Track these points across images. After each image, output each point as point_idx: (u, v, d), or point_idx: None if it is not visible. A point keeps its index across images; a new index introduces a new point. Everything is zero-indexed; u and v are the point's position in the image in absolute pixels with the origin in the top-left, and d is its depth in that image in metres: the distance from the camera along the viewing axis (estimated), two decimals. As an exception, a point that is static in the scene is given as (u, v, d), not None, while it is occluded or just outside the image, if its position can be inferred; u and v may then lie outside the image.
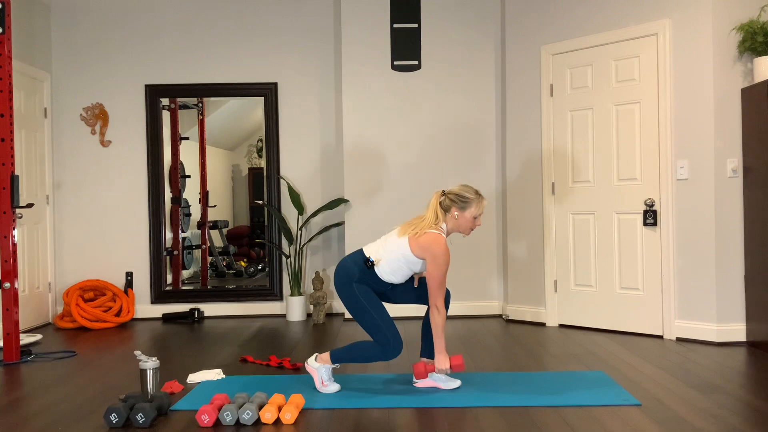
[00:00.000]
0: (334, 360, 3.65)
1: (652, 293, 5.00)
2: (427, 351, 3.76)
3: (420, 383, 3.73)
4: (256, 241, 7.65)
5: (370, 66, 6.04)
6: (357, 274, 3.60)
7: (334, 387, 3.65)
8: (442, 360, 3.56)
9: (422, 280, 3.74)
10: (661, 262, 4.93)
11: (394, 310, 5.77)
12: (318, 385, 3.65)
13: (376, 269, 3.59)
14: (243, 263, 7.75)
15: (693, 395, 3.47)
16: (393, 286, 3.72)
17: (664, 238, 4.91)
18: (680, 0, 4.83)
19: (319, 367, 3.66)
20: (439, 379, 3.69)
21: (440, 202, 3.61)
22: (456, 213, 3.58)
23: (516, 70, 5.78)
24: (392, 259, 3.57)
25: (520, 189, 5.75)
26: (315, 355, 3.73)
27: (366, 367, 4.17)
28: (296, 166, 6.38)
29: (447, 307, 3.68)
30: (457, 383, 3.67)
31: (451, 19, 6.09)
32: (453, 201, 3.59)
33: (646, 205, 4.99)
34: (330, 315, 6.26)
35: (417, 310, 5.50)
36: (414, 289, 3.75)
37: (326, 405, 3.39)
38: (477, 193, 3.60)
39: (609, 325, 5.22)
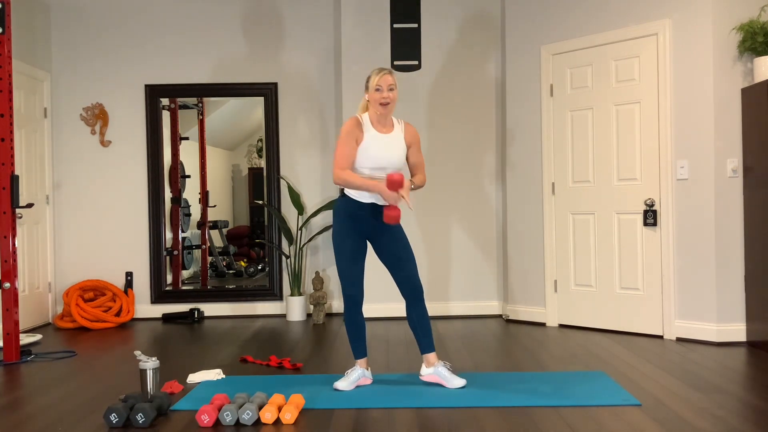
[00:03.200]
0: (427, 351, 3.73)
1: (652, 293, 5.00)
2: (426, 347, 3.75)
3: (425, 376, 3.74)
4: (256, 241, 7.65)
5: (370, 66, 6.01)
6: (337, 207, 3.72)
7: (460, 381, 3.68)
8: (381, 187, 3.53)
9: (398, 275, 3.74)
10: (661, 262, 4.93)
11: (387, 310, 5.78)
12: (449, 385, 3.68)
13: (346, 191, 3.70)
14: (243, 263, 7.75)
15: (693, 395, 3.47)
16: (380, 229, 3.68)
17: (664, 238, 4.91)
18: (680, 0, 4.82)
19: (438, 365, 3.71)
20: (445, 376, 3.69)
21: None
22: (366, 96, 3.71)
23: (516, 70, 5.78)
24: None
25: (520, 189, 5.75)
26: (425, 358, 3.76)
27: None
28: (296, 166, 6.38)
29: (420, 300, 3.74)
30: (462, 382, 3.67)
31: (451, 19, 6.09)
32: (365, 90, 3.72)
33: (646, 205, 4.99)
34: (330, 315, 6.26)
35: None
36: (395, 248, 3.71)
37: (326, 405, 3.39)
38: (379, 68, 3.69)
39: (609, 325, 5.22)
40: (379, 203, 3.65)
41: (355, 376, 3.71)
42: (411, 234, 6.02)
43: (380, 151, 3.64)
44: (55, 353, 4.81)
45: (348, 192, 3.69)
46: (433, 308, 5.85)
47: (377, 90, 3.63)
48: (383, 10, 5.86)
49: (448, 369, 3.74)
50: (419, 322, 3.76)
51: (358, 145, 3.64)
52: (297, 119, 6.38)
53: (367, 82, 3.68)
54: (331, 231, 6.25)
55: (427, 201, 6.04)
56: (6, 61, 4.53)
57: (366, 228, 3.70)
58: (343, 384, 3.67)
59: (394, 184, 3.51)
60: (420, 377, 3.78)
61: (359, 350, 3.76)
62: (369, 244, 3.77)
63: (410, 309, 3.78)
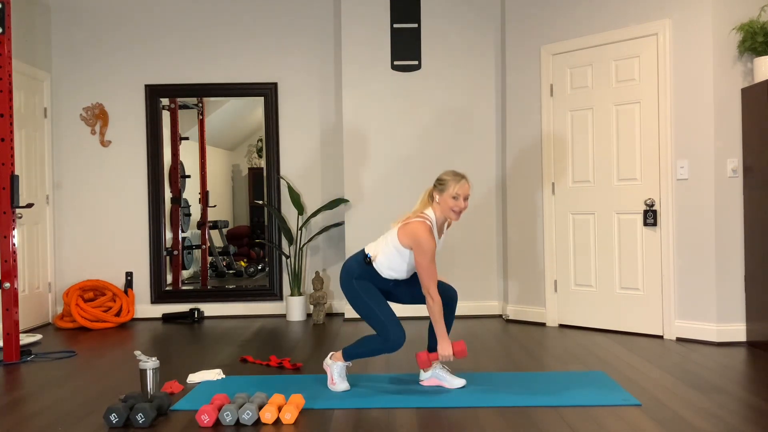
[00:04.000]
0: (345, 357, 3.68)
1: (652, 293, 5.00)
2: (434, 348, 3.75)
3: (425, 381, 3.74)
4: (256, 241, 7.65)
5: (370, 66, 6.04)
6: (357, 271, 3.64)
7: (343, 386, 3.66)
8: (444, 346, 3.55)
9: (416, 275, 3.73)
10: (661, 262, 4.93)
11: (398, 310, 5.77)
12: (328, 382, 3.68)
13: (375, 265, 3.62)
14: (243, 263, 7.75)
15: (693, 395, 3.47)
16: (396, 283, 3.72)
17: (664, 238, 4.91)
18: (680, 0, 4.82)
19: (332, 365, 3.70)
20: (444, 378, 3.69)
21: (428, 192, 3.67)
22: (437, 197, 3.61)
23: (516, 70, 5.78)
24: (387, 252, 3.60)
25: (520, 189, 5.75)
26: (331, 353, 3.77)
27: (366, 367, 4.17)
28: (296, 166, 6.38)
29: (454, 305, 3.72)
30: (462, 382, 3.67)
31: (451, 19, 6.09)
32: (434, 186, 3.64)
33: (646, 205, 4.99)
34: (330, 315, 6.26)
35: (419, 309, 5.49)
36: (419, 288, 3.74)
37: (326, 405, 3.39)
38: (456, 173, 3.61)
39: (609, 325, 5.22)
40: (400, 278, 3.68)
41: (342, 371, 3.69)
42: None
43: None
44: (55, 353, 4.81)
45: (377, 267, 3.62)
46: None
47: (454, 198, 3.56)
48: (383, 10, 5.86)
49: (446, 370, 3.74)
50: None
51: None
52: (297, 119, 6.38)
53: (442, 184, 3.58)
54: (331, 231, 6.28)
55: (427, 201, 6.03)
56: (6, 61, 4.53)
57: (383, 287, 3.72)
58: (342, 386, 3.67)
59: (460, 354, 3.56)
60: (420, 383, 3.77)
61: (356, 358, 3.74)
62: None
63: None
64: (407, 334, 5.18)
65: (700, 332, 4.76)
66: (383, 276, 3.64)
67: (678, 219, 4.86)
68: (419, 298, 3.72)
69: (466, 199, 3.59)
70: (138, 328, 5.89)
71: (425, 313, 3.81)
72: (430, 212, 3.61)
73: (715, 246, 4.71)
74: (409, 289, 3.76)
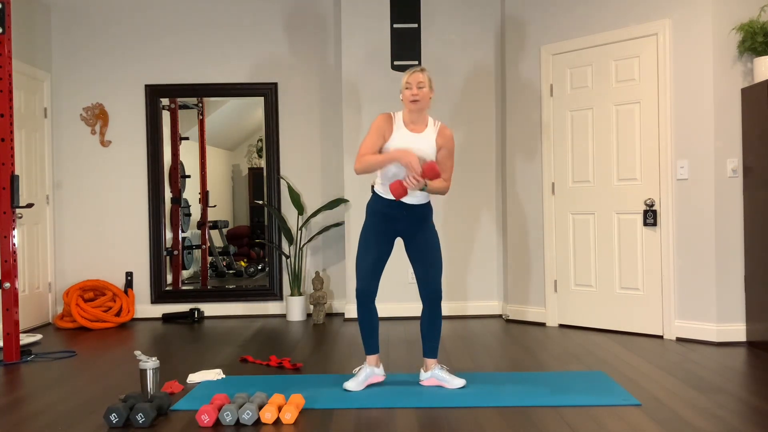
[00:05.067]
0: (430, 354, 3.74)
1: (652, 293, 5.00)
2: (430, 351, 3.75)
3: (425, 381, 3.74)
4: (256, 241, 7.65)
5: (370, 66, 6.04)
6: (368, 203, 3.76)
7: (458, 382, 3.68)
8: (404, 155, 3.48)
9: (421, 277, 3.73)
10: (661, 262, 4.93)
11: (387, 310, 5.79)
12: (448, 386, 3.68)
13: (375, 188, 3.71)
14: (243, 263, 7.75)
15: (693, 395, 3.47)
16: (406, 226, 3.69)
17: (664, 238, 4.91)
18: (680, 0, 4.83)
19: (437, 373, 3.71)
20: (444, 378, 3.69)
21: None
22: (401, 96, 3.67)
23: (516, 70, 5.78)
24: None
25: (520, 189, 5.75)
26: (424, 369, 3.76)
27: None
28: (296, 166, 6.38)
29: (436, 305, 3.74)
30: (462, 382, 3.67)
31: (451, 19, 6.09)
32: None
33: (646, 205, 4.99)
34: (330, 315, 6.26)
35: (416, 310, 5.49)
36: (424, 252, 3.70)
37: (326, 405, 3.39)
38: (411, 68, 3.67)
39: (609, 325, 5.22)
40: (407, 201, 3.63)
41: (364, 376, 3.69)
42: (411, 234, 6.03)
43: (406, 147, 3.57)
44: (55, 353, 4.81)
45: (377, 189, 3.70)
46: (433, 308, 5.85)
47: (407, 88, 3.60)
48: (383, 10, 5.86)
49: (446, 370, 3.74)
50: (429, 326, 3.75)
51: (386, 142, 3.61)
52: (297, 119, 6.38)
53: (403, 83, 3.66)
54: (331, 231, 6.29)
55: (427, 201, 6.03)
56: (6, 61, 4.53)
57: (396, 225, 3.68)
58: (353, 384, 3.66)
59: (431, 171, 3.47)
60: (420, 383, 3.77)
61: (369, 346, 3.72)
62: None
63: (426, 313, 3.77)
64: (404, 334, 5.20)
65: (700, 332, 4.76)
66: (382, 196, 3.67)
67: (678, 219, 4.86)
68: (422, 263, 3.71)
69: (420, 87, 3.58)
70: (138, 328, 5.89)
71: (421, 314, 3.82)
72: (399, 112, 3.71)
73: (715, 246, 4.71)
74: (422, 248, 3.70)
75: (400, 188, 3.48)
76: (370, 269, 3.65)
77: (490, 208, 6.09)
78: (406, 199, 3.60)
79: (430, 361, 3.74)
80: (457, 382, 3.67)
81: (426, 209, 3.73)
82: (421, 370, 3.79)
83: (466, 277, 6.07)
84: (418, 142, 3.61)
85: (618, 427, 3.01)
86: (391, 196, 3.61)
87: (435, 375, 3.71)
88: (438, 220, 6.09)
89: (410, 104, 3.60)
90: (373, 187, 3.75)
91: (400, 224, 3.68)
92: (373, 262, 3.65)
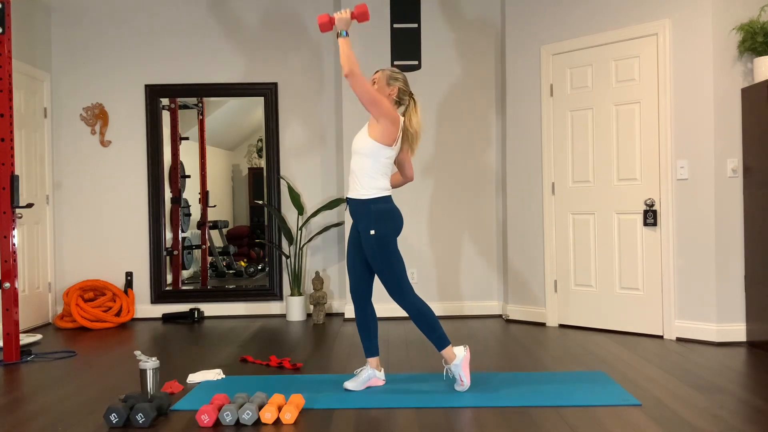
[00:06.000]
0: (440, 346, 3.60)
1: (652, 293, 5.00)
2: (370, 351, 3.72)
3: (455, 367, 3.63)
4: (256, 241, 7.65)
5: (370, 66, 6.03)
6: (380, 208, 3.68)
7: (468, 382, 3.63)
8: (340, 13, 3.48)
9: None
10: (661, 262, 4.93)
11: (387, 310, 5.79)
12: (457, 386, 3.63)
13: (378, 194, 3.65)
14: (243, 263, 7.74)
15: (693, 395, 3.47)
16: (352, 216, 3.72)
17: (664, 238, 4.91)
18: (680, 0, 4.83)
19: (453, 367, 3.61)
20: (456, 379, 3.64)
21: None
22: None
23: (516, 70, 5.78)
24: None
25: (520, 189, 5.75)
26: (445, 362, 3.64)
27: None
28: (296, 166, 6.38)
29: (366, 303, 3.70)
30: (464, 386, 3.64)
31: (451, 19, 6.09)
32: None
33: (646, 205, 4.99)
34: (330, 315, 6.26)
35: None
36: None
37: (326, 405, 3.39)
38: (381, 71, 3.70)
39: (609, 325, 5.22)
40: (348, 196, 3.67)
41: (366, 376, 3.68)
42: (411, 234, 6.03)
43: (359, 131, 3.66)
44: (55, 353, 4.81)
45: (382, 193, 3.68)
46: (433, 308, 5.85)
47: (373, 83, 3.69)
48: (383, 10, 5.86)
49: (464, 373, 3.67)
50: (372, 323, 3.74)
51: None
52: (297, 119, 6.38)
53: None
54: (331, 231, 6.29)
55: (426, 201, 6.04)
56: (6, 61, 4.54)
57: (357, 227, 3.67)
58: (353, 384, 3.66)
59: (361, 15, 3.48)
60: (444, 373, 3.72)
61: (367, 348, 3.72)
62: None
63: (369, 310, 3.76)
64: (405, 334, 5.20)
65: (700, 332, 4.76)
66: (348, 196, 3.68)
67: (678, 219, 4.86)
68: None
69: (373, 82, 3.64)
70: (138, 328, 5.89)
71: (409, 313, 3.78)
72: None
73: (715, 246, 4.71)
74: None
75: (325, 18, 3.51)
76: (351, 269, 3.70)
77: (490, 208, 6.09)
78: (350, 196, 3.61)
79: (374, 361, 3.72)
80: (459, 386, 3.63)
81: (359, 206, 3.58)
82: (443, 363, 3.69)
83: (466, 277, 6.07)
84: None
85: (618, 427, 3.01)
86: (349, 195, 3.63)
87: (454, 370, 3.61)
88: (438, 219, 6.10)
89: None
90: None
91: (359, 224, 3.63)
92: (352, 264, 3.69)
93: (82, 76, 6.36)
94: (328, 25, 3.54)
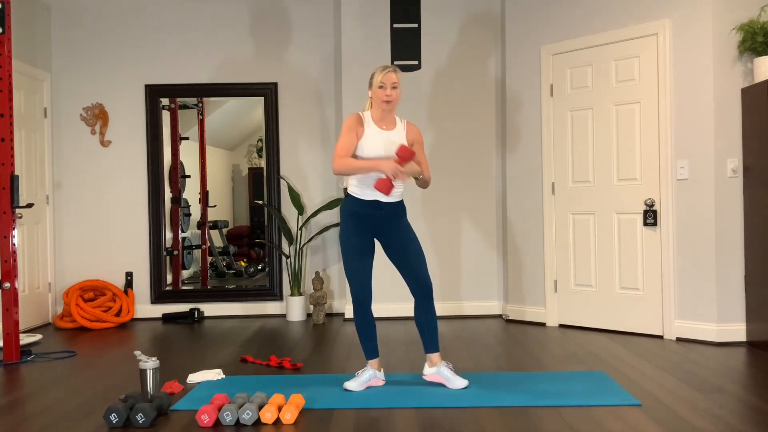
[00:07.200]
0: (431, 350, 3.71)
1: (652, 293, 5.00)
2: (430, 346, 3.74)
3: (428, 376, 3.73)
4: (256, 241, 7.65)
5: (370, 66, 6.02)
6: (342, 205, 3.75)
7: (461, 382, 3.66)
8: (386, 165, 3.50)
9: (408, 272, 3.72)
10: (661, 262, 4.93)
11: (387, 310, 5.79)
12: (451, 386, 3.66)
13: (349, 190, 3.70)
14: (243, 263, 7.75)
15: (693, 395, 3.47)
16: (381, 223, 3.68)
17: (664, 238, 4.91)
18: (680, 0, 4.83)
19: (441, 370, 3.69)
20: (447, 378, 3.67)
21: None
22: (369, 93, 3.71)
23: (516, 70, 5.78)
24: None
25: (520, 189, 5.75)
26: (427, 365, 3.75)
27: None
28: (296, 166, 6.38)
29: (429, 297, 3.71)
30: (464, 383, 3.66)
31: (451, 19, 6.09)
32: (368, 86, 3.74)
33: (646, 205, 4.99)
34: (330, 315, 6.26)
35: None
36: (404, 245, 3.69)
37: (326, 405, 3.39)
38: (383, 66, 3.70)
39: (609, 325, 5.22)
40: (382, 200, 3.63)
41: (366, 377, 3.69)
42: (411, 234, 6.02)
43: (381, 145, 3.62)
44: (55, 353, 4.81)
45: (351, 191, 3.69)
46: (433, 308, 5.85)
47: (381, 87, 3.63)
48: (383, 10, 5.86)
49: (451, 369, 3.73)
50: (427, 322, 3.72)
51: (359, 140, 3.63)
52: (297, 119, 6.38)
53: (371, 79, 3.67)
54: (331, 231, 6.29)
55: (426, 201, 6.04)
56: (6, 61, 4.53)
57: (372, 226, 3.68)
58: (353, 384, 3.65)
59: (405, 152, 3.49)
60: (423, 377, 3.77)
61: (370, 350, 3.72)
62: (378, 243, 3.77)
63: (418, 307, 3.74)
64: (405, 334, 5.20)
65: (700, 332, 4.76)
66: (355, 196, 3.66)
67: (678, 219, 4.86)
68: (405, 258, 3.69)
69: (393, 87, 3.63)
70: (138, 328, 5.89)
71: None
72: (366, 111, 3.73)
73: (715, 246, 4.71)
74: (400, 241, 3.69)
75: (388, 183, 3.51)
76: (359, 272, 3.65)
77: (490, 208, 6.09)
78: (380, 198, 3.63)
79: (435, 357, 3.73)
80: (460, 383, 3.65)
81: (400, 207, 3.74)
82: (426, 365, 3.78)
83: (466, 277, 6.07)
84: (392, 138, 3.66)
85: (618, 427, 3.01)
86: (366, 197, 3.63)
87: (440, 372, 3.69)
88: (438, 220, 6.10)
89: (383, 104, 3.65)
90: (345, 189, 3.75)
91: (377, 223, 3.67)
92: (361, 265, 3.65)
93: (82, 76, 6.36)
94: (391, 188, 3.52)
